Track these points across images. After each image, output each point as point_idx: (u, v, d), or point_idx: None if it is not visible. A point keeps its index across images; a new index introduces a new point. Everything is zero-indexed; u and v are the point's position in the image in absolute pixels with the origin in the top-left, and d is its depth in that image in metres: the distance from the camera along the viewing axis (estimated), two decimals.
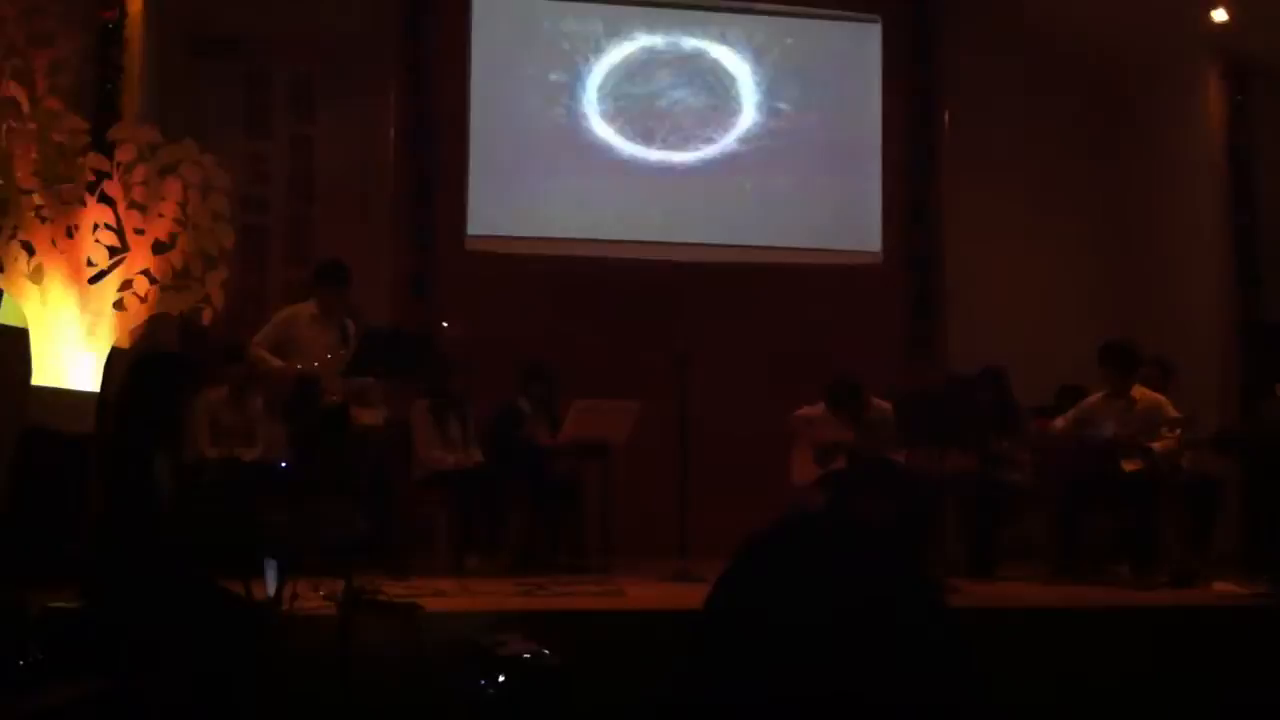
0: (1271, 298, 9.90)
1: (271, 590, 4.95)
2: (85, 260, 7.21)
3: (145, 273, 7.36)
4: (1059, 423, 7.93)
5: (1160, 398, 7.85)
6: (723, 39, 10.38)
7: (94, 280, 7.25)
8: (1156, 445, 7.57)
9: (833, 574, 1.42)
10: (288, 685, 4.33)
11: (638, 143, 10.15)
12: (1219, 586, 6.86)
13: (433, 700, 4.54)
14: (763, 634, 1.39)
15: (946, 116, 10.40)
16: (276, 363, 7.25)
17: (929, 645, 1.39)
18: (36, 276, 7.06)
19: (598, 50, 10.16)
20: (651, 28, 10.29)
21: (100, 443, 5.23)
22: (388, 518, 7.13)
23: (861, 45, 10.57)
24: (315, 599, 5.33)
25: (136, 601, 4.03)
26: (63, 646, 4.15)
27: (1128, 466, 7.56)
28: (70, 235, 7.15)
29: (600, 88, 10.14)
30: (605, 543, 7.86)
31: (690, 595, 5.66)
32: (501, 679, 4.35)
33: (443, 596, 5.96)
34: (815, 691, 1.34)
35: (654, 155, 10.18)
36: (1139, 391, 7.79)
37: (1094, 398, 7.87)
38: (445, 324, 7.23)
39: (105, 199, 7.26)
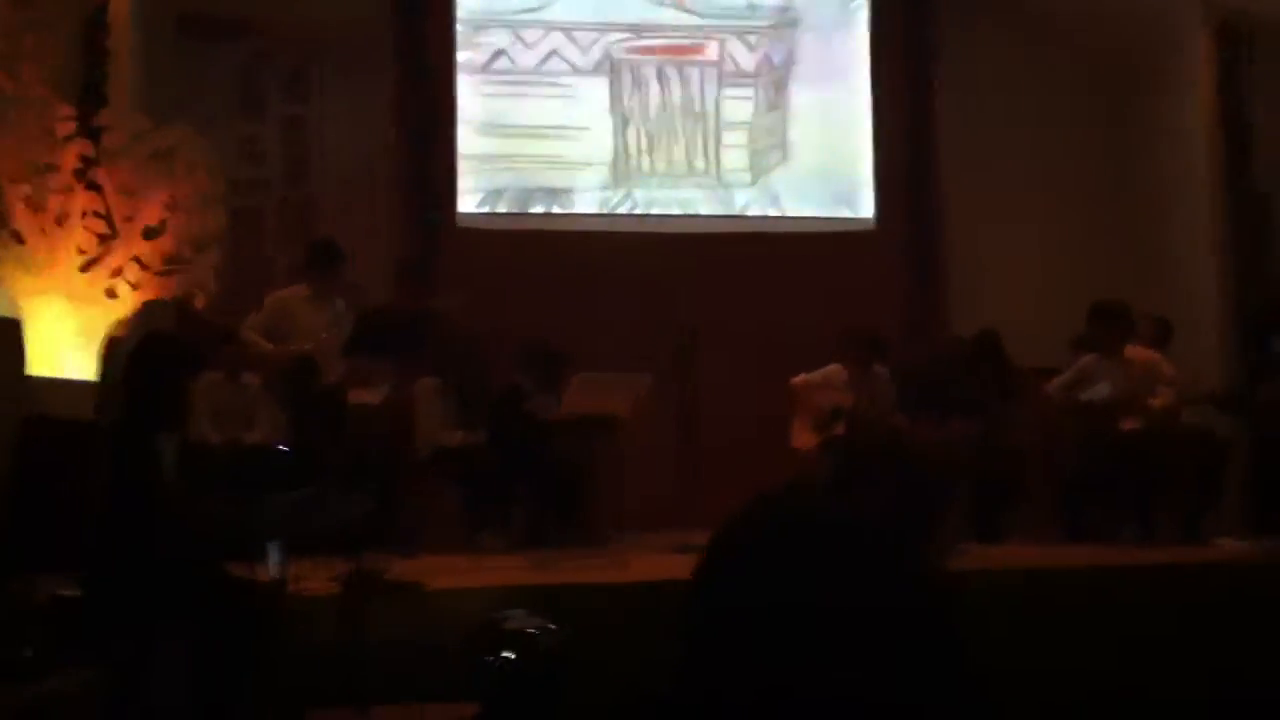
0: (1268, 259, 9.88)
1: (275, 572, 4.94)
2: (76, 248, 7.17)
3: (136, 259, 7.33)
4: (1053, 385, 7.90)
5: (1156, 355, 7.85)
6: (713, 10, 10.32)
7: (85, 268, 7.22)
8: (1154, 402, 7.56)
9: (822, 555, 1.38)
10: (293, 667, 4.33)
11: (630, 114, 10.13)
12: (1224, 543, 6.87)
13: (439, 678, 4.53)
14: (748, 622, 1.35)
15: (937, 81, 10.34)
16: (267, 346, 7.23)
17: (922, 631, 1.36)
18: (27, 265, 7.02)
19: (588, 26, 10.10)
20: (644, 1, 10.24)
21: (103, 428, 5.20)
22: (392, 497, 7.12)
23: (851, 11, 10.52)
24: (320, 580, 5.32)
25: (139, 587, 4.02)
26: (67, 634, 4.15)
27: (1126, 425, 7.55)
28: (60, 223, 7.11)
29: (592, 60, 10.08)
30: (613, 518, 7.84)
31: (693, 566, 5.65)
32: (507, 655, 4.34)
33: (448, 574, 5.96)
34: (804, 682, 1.31)
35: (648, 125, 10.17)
36: (1134, 350, 7.78)
37: (1089, 358, 7.85)
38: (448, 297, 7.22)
39: (93, 186, 7.22)
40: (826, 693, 1.26)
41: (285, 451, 6.86)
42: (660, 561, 6.63)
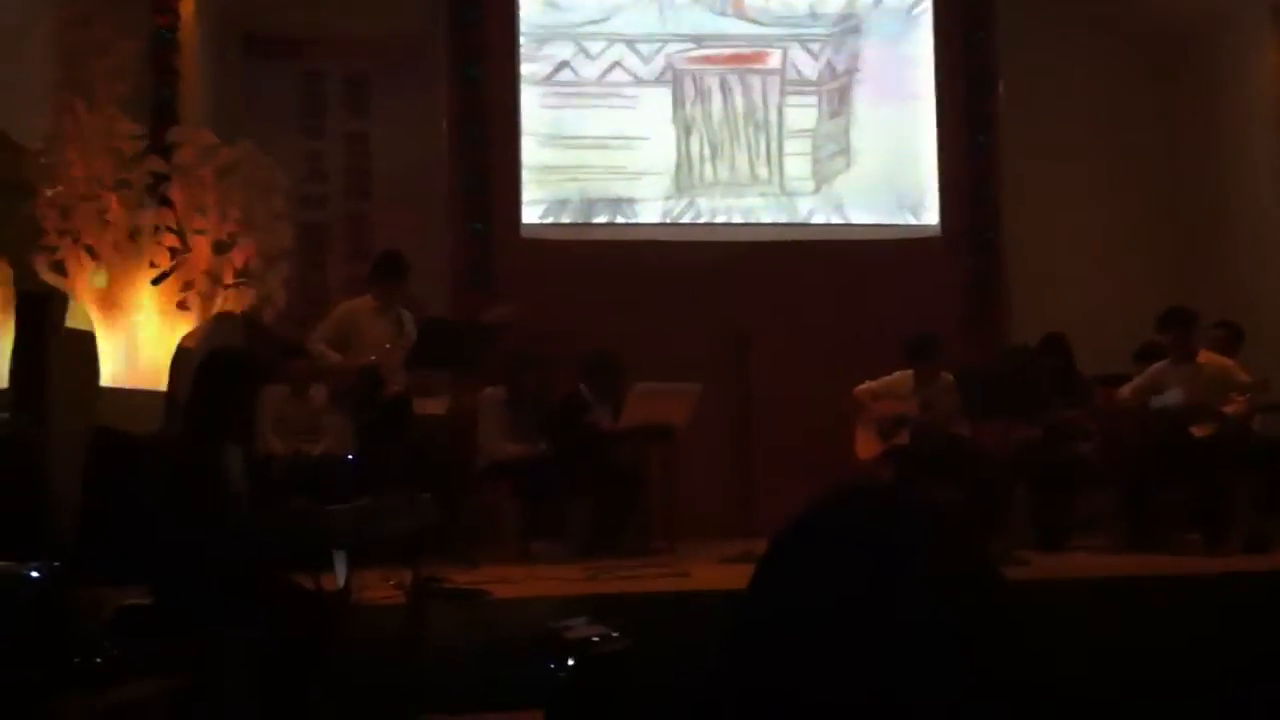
0: None
1: (341, 581, 5.00)
2: (149, 262, 7.31)
3: (207, 273, 7.45)
4: (1125, 391, 7.83)
5: (1228, 361, 7.73)
6: (776, 18, 10.30)
7: (157, 281, 7.35)
8: (1227, 409, 7.45)
9: (880, 556, 1.39)
10: (358, 674, 4.38)
11: (693, 124, 10.14)
12: None
13: (502, 685, 4.57)
14: (800, 622, 1.36)
15: (1002, 86, 10.26)
16: (336, 358, 7.31)
17: (977, 632, 1.36)
18: (101, 280, 7.16)
19: (650, 37, 10.13)
20: (703, 8, 10.25)
21: (171, 440, 5.30)
22: (454, 507, 7.18)
23: (914, 17, 10.47)
24: (385, 588, 5.37)
25: (207, 596, 4.09)
26: (137, 642, 4.22)
27: (1198, 432, 7.44)
28: (133, 238, 7.25)
29: (654, 70, 10.11)
30: (669, 527, 7.85)
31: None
32: (570, 662, 4.36)
33: (510, 583, 6.00)
34: (849, 684, 1.31)
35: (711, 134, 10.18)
36: (1206, 356, 7.67)
37: (1160, 364, 7.76)
38: (498, 310, 7.26)
39: (165, 201, 7.36)
40: (878, 690, 1.28)
41: (350, 461, 6.94)
42: (721, 570, 6.64)
